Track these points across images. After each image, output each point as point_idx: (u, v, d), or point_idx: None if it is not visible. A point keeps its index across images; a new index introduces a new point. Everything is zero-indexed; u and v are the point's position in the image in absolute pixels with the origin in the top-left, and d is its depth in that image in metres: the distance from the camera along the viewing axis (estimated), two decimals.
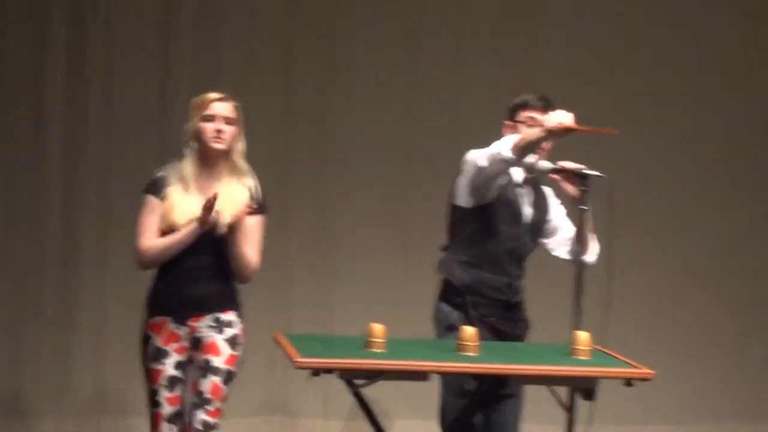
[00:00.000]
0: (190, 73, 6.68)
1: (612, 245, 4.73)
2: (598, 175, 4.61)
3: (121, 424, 6.57)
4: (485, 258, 4.79)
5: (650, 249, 7.09)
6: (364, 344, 4.22)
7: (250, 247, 4.49)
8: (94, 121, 6.63)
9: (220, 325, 4.47)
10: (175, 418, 4.39)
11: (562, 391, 4.40)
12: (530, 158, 4.73)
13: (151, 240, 4.42)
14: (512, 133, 4.79)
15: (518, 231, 4.82)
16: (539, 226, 4.90)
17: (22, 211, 6.58)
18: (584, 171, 4.62)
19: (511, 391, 4.76)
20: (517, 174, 4.84)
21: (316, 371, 4.03)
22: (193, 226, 4.35)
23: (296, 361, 4.01)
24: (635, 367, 4.27)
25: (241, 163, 4.52)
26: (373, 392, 4.30)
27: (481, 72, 6.92)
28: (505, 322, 4.80)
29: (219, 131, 4.43)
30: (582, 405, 4.38)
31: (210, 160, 4.48)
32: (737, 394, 7.22)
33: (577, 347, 4.31)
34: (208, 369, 4.42)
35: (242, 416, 6.52)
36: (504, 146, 4.57)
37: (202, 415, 4.38)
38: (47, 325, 6.58)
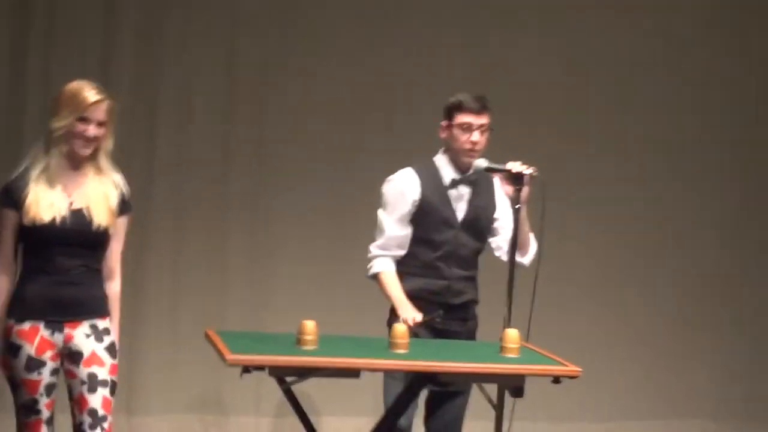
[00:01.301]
0: (130, 74, 6.65)
1: (543, 241, 4.76)
2: (532, 174, 4.65)
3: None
4: (421, 266, 4.85)
5: (581, 246, 7.15)
6: (296, 341, 4.24)
7: (116, 255, 4.31)
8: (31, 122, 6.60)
9: (98, 333, 4.25)
10: (52, 421, 4.24)
11: (492, 389, 4.45)
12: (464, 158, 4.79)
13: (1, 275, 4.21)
14: (448, 136, 4.83)
15: (449, 234, 4.84)
16: (480, 224, 4.90)
17: None
18: (517, 170, 4.64)
19: (456, 389, 4.81)
20: (447, 175, 4.86)
21: (247, 368, 4.03)
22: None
23: (227, 358, 4.02)
24: (563, 364, 4.31)
25: (105, 162, 4.27)
26: (304, 389, 4.32)
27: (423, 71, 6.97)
28: (451, 322, 4.81)
29: (89, 139, 4.19)
30: (509, 401, 4.44)
31: (76, 160, 4.23)
32: (664, 392, 7.31)
33: (506, 345, 4.35)
34: (96, 383, 4.20)
35: (175, 413, 6.52)
36: (372, 267, 4.84)
37: None
38: None
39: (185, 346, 6.47)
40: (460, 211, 4.87)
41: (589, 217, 7.18)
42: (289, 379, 4.24)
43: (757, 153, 7.43)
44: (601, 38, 7.20)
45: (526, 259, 4.82)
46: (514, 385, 4.32)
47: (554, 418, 7.05)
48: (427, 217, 4.82)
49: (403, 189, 4.83)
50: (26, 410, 4.20)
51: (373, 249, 4.88)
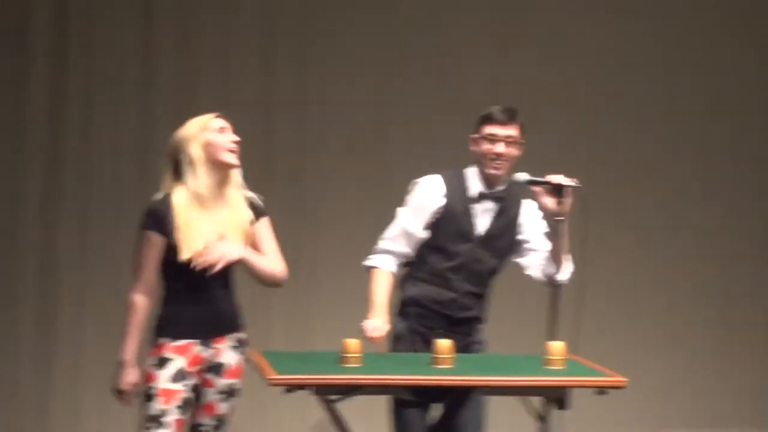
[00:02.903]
0: (171, 84, 6.71)
1: (585, 254, 4.73)
2: (574, 186, 4.61)
3: None
4: (431, 273, 4.81)
5: (624, 258, 7.14)
6: (339, 360, 4.24)
7: (271, 255, 4.42)
8: (74, 131, 6.65)
9: (240, 346, 4.41)
10: None
11: (536, 401, 4.43)
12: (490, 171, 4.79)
13: (140, 295, 4.29)
14: (477, 147, 4.82)
15: (465, 247, 4.79)
16: (500, 242, 4.84)
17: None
18: (559, 182, 4.62)
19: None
20: (474, 187, 4.82)
21: (290, 387, 4.04)
22: (127, 356, 4.27)
23: (270, 378, 4.02)
24: (608, 375, 4.29)
25: (239, 179, 4.38)
26: (348, 409, 4.32)
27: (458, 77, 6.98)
28: (452, 336, 4.62)
29: (235, 143, 4.31)
30: (556, 414, 4.42)
31: (218, 177, 4.31)
32: (710, 401, 7.27)
33: (550, 357, 4.33)
34: (231, 393, 4.38)
35: None
36: (372, 259, 4.82)
37: None
38: (25, 339, 6.59)
39: None
40: (482, 225, 4.81)
41: (627, 226, 7.17)
42: (333, 397, 4.23)
43: None
44: (626, 46, 7.20)
45: (563, 275, 4.72)
46: (558, 397, 4.30)
47: (601, 429, 7.01)
48: (446, 225, 4.79)
49: (428, 194, 4.81)
50: (154, 421, 4.23)
51: (382, 242, 4.84)
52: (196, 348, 4.30)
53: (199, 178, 4.27)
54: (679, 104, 7.29)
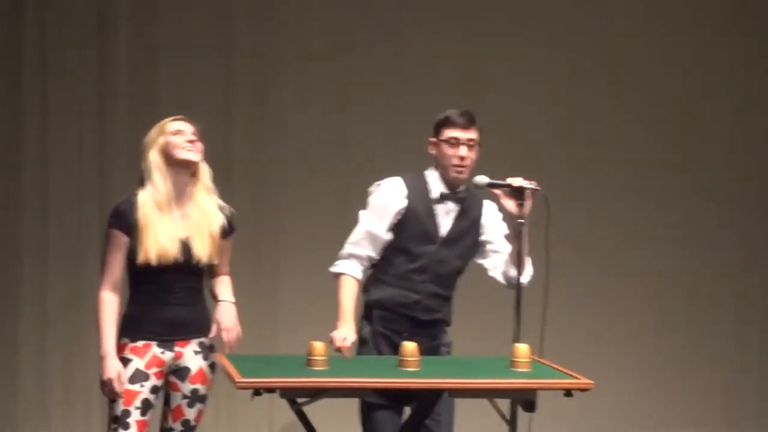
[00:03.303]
0: (127, 82, 6.69)
1: (548, 255, 4.74)
2: (534, 189, 4.63)
3: None
4: (396, 276, 4.81)
5: (587, 259, 7.17)
6: (306, 363, 4.23)
7: (226, 266, 4.55)
8: (30, 131, 6.62)
9: (204, 350, 4.43)
10: None
11: (504, 404, 4.44)
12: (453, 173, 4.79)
13: (108, 292, 4.32)
14: (436, 151, 4.82)
15: (429, 248, 4.80)
16: (463, 243, 4.85)
17: None
18: (520, 185, 4.63)
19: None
20: (436, 188, 4.83)
21: (258, 391, 4.04)
22: (107, 348, 4.29)
23: (237, 382, 4.02)
24: (575, 377, 4.31)
25: (209, 183, 4.43)
26: (316, 410, 4.32)
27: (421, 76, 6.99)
28: (418, 338, 4.63)
29: (191, 141, 4.34)
30: (522, 416, 4.43)
31: (177, 182, 4.35)
32: (678, 401, 7.31)
33: (517, 359, 4.34)
34: (195, 398, 4.41)
35: None
36: (338, 266, 4.80)
37: None
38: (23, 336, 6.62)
39: None
40: (444, 227, 4.82)
41: (592, 227, 7.20)
42: (300, 400, 4.23)
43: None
44: (601, 41, 7.23)
45: (524, 278, 4.70)
46: (526, 400, 4.31)
47: (569, 430, 7.04)
48: (409, 227, 4.79)
49: (390, 195, 4.80)
50: (117, 422, 4.28)
51: (347, 246, 4.83)
52: (154, 349, 4.33)
53: (157, 184, 4.33)
54: (643, 105, 7.31)
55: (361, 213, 4.85)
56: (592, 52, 7.24)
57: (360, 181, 6.67)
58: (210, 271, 4.50)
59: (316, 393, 4.14)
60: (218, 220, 4.41)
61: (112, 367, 4.27)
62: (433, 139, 4.84)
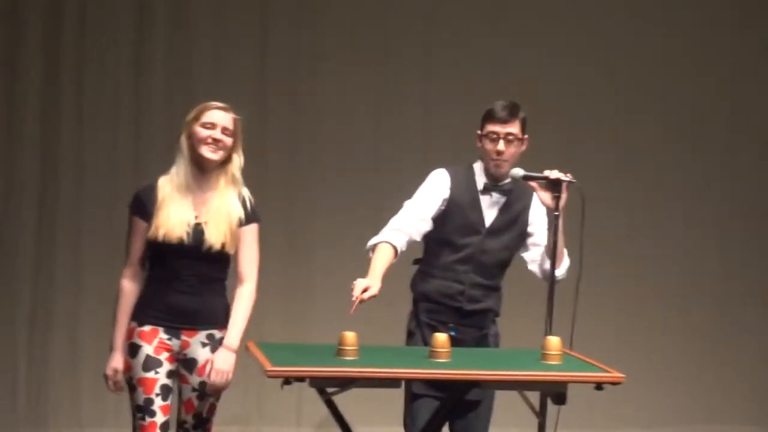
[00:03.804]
0: (163, 74, 6.70)
1: (582, 249, 4.72)
2: (570, 182, 4.62)
3: None
4: (439, 266, 4.82)
5: (619, 254, 7.14)
6: (336, 352, 4.24)
7: (247, 262, 4.44)
8: (68, 123, 6.64)
9: (214, 343, 4.39)
10: (167, 427, 4.35)
11: (534, 396, 4.43)
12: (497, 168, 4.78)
13: (127, 281, 4.36)
14: (481, 144, 4.82)
15: (473, 239, 4.81)
16: (509, 234, 4.86)
17: None
18: (556, 177, 4.61)
19: (475, 397, 4.74)
20: (481, 180, 4.84)
21: (288, 380, 4.04)
22: (114, 342, 4.33)
23: (267, 370, 4.02)
24: (606, 371, 4.29)
25: (236, 176, 4.42)
26: (346, 399, 4.32)
27: (450, 76, 6.97)
28: (463, 329, 4.75)
29: (215, 140, 4.34)
30: (552, 409, 4.42)
31: (202, 169, 4.37)
32: (707, 398, 7.28)
33: (548, 352, 4.33)
34: (205, 391, 4.39)
35: (217, 425, 6.50)
36: (377, 237, 4.72)
37: None
38: (21, 329, 6.58)
39: None
40: (489, 217, 4.83)
41: (627, 224, 7.18)
42: (330, 390, 4.23)
43: None
44: (630, 43, 7.20)
45: (560, 271, 4.72)
46: (556, 393, 4.30)
47: (597, 425, 7.02)
48: (452, 218, 4.80)
49: (434, 185, 4.82)
50: (141, 411, 4.31)
51: (391, 222, 4.76)
52: (161, 335, 4.34)
53: (180, 166, 4.38)
54: (677, 101, 7.28)
55: (406, 202, 4.85)
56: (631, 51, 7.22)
57: (392, 173, 6.75)
58: (228, 263, 4.43)
59: (345, 383, 4.14)
60: (238, 211, 4.39)
61: (111, 364, 4.33)
62: (479, 132, 4.85)
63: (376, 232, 6.75)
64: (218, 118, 4.37)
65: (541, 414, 4.44)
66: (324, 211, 6.87)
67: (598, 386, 4.27)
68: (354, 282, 4.49)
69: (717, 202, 7.33)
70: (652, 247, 7.23)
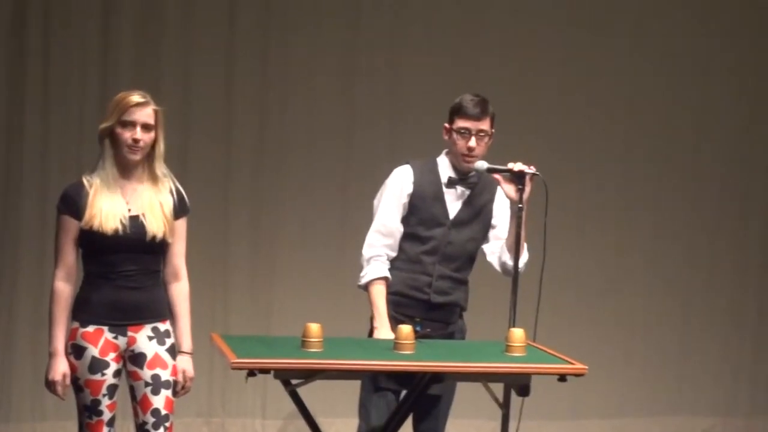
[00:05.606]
0: (130, 66, 6.66)
1: (546, 242, 4.73)
2: (534, 174, 4.63)
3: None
4: (407, 260, 4.83)
5: (582, 246, 7.17)
6: (300, 344, 4.24)
7: (177, 256, 4.40)
8: (32, 122, 6.58)
9: (160, 336, 4.36)
10: (113, 422, 4.34)
11: (498, 388, 4.45)
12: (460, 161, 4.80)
13: (60, 282, 4.29)
14: (449, 138, 4.83)
15: (438, 231, 4.82)
16: (474, 226, 4.87)
17: None
18: (519, 169, 4.63)
19: (436, 392, 4.75)
20: (445, 174, 4.85)
21: (252, 372, 4.04)
22: (56, 347, 4.27)
23: (232, 362, 4.02)
24: (569, 362, 4.31)
25: (160, 168, 4.37)
26: (310, 391, 4.33)
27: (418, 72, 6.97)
28: (429, 323, 4.75)
29: (135, 140, 4.27)
30: (516, 400, 4.44)
31: (126, 165, 4.32)
32: (669, 389, 7.32)
33: (511, 344, 4.35)
34: (159, 384, 4.33)
35: (182, 417, 6.52)
36: (366, 275, 4.78)
37: None
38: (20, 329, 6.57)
39: None
40: (453, 210, 4.85)
41: (590, 216, 7.20)
42: (294, 381, 4.24)
43: (756, 153, 7.45)
44: (599, 40, 7.21)
45: (519, 263, 4.70)
46: (520, 384, 4.32)
47: (560, 416, 7.05)
48: (417, 212, 4.81)
49: (398, 183, 4.83)
50: (88, 411, 4.29)
51: (365, 250, 4.83)
52: (106, 335, 4.29)
53: (105, 162, 4.32)
54: (642, 97, 7.30)
55: (375, 206, 4.88)
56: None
57: (360, 166, 6.74)
58: (164, 255, 4.40)
59: (310, 375, 4.15)
60: (169, 202, 4.35)
61: (59, 369, 4.26)
62: (447, 126, 4.86)
63: (342, 222, 6.77)
64: (137, 115, 4.28)
65: (505, 405, 4.46)
66: (290, 200, 6.84)
67: (562, 378, 4.29)
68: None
69: (681, 192, 7.35)
70: (614, 239, 7.26)
